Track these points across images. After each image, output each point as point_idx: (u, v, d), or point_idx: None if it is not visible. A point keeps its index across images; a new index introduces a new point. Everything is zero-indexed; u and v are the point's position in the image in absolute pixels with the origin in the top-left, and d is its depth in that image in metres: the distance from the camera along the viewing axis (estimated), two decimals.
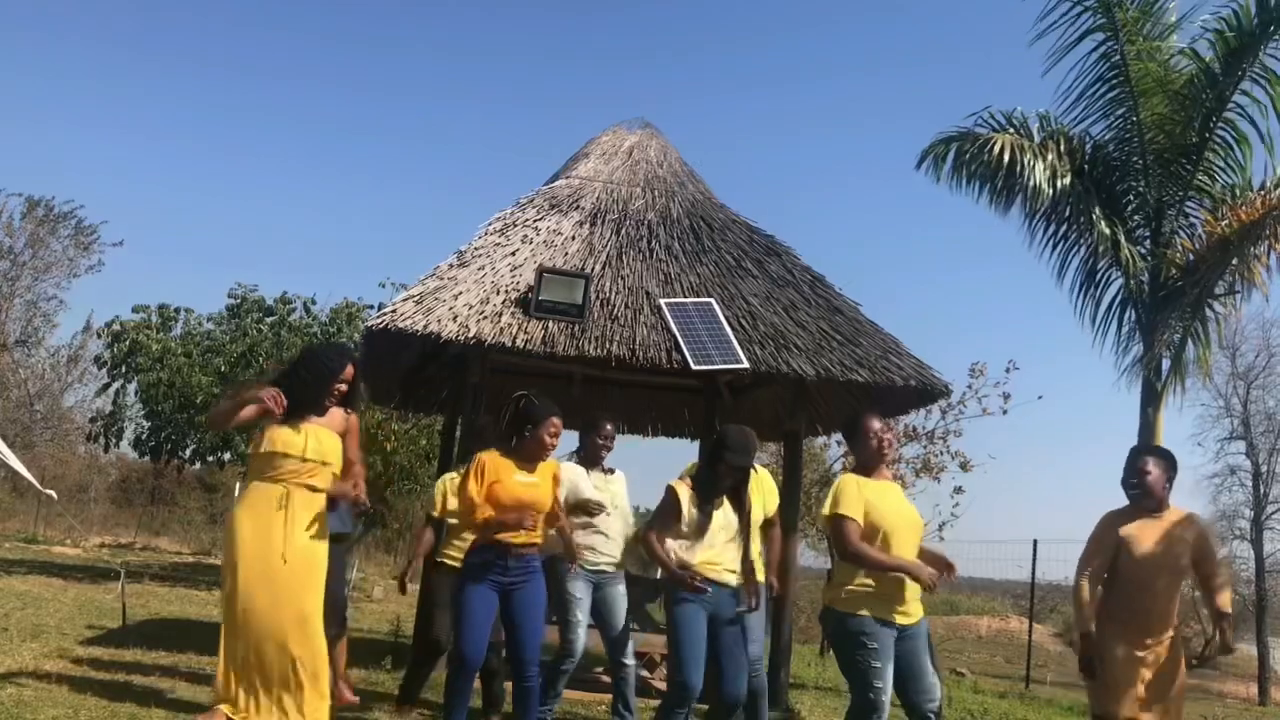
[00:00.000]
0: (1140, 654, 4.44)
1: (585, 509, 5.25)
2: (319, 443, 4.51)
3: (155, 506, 29.47)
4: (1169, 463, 4.65)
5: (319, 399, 4.57)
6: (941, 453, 15.56)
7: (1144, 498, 4.57)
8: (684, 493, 4.80)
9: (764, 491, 5.46)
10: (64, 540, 20.96)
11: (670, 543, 4.74)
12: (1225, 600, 4.63)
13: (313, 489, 4.53)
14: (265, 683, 4.35)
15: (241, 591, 4.36)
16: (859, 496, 4.34)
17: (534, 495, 4.69)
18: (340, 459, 4.62)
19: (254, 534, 4.40)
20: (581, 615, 5.28)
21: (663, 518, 4.83)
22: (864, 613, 4.24)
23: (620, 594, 5.47)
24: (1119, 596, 4.58)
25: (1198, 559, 4.58)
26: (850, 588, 4.26)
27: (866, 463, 4.47)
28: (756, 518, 5.28)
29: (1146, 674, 4.40)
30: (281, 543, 4.39)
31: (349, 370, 4.63)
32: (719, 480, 4.83)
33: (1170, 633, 4.47)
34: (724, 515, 4.86)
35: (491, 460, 4.69)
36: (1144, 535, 4.51)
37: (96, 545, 21.27)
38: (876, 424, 4.50)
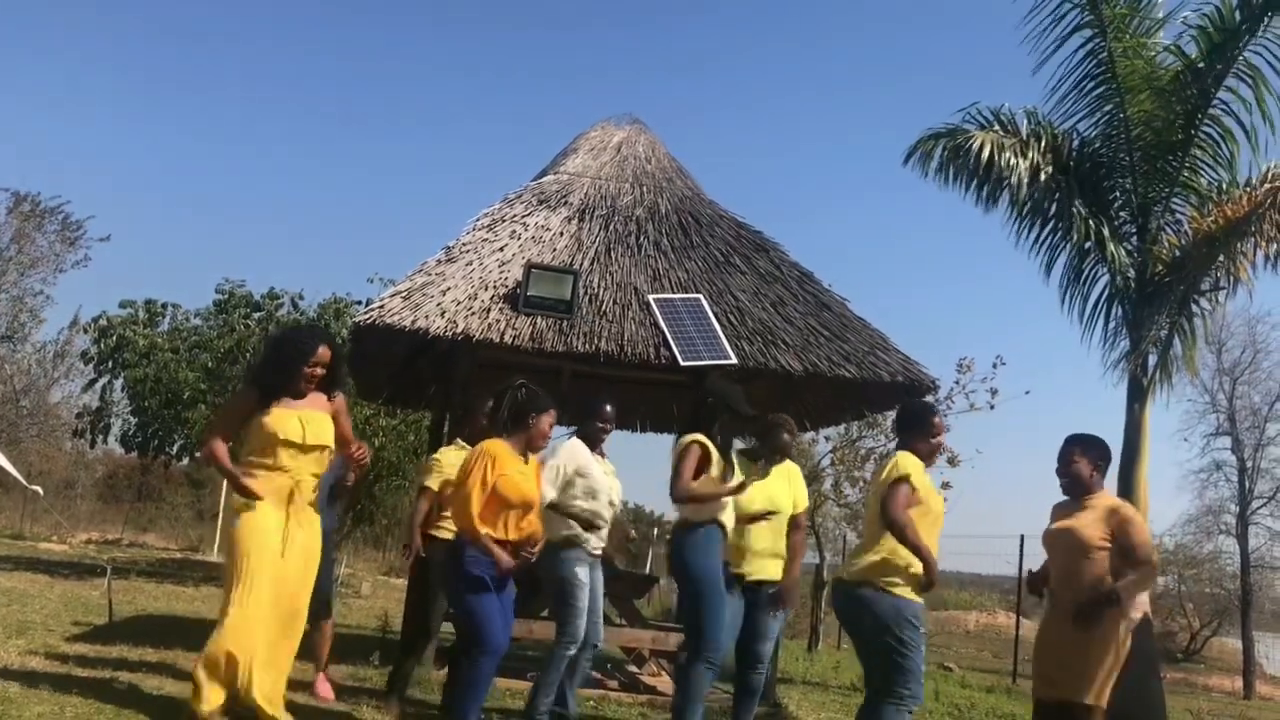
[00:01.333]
0: (1055, 636, 4.52)
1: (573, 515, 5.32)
2: (317, 427, 4.47)
3: (142, 502, 29.37)
4: (1098, 451, 4.67)
5: (295, 381, 4.47)
6: None
7: (1072, 487, 4.64)
8: (707, 443, 4.99)
9: (795, 485, 5.61)
10: (50, 536, 20.84)
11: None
12: (1126, 581, 4.34)
13: (314, 476, 4.53)
14: (260, 668, 4.31)
15: (255, 583, 4.26)
16: (922, 474, 4.53)
17: (532, 490, 4.71)
18: (333, 441, 4.57)
19: (266, 525, 4.33)
20: (585, 601, 5.28)
21: (691, 468, 4.94)
22: (919, 598, 4.40)
23: (601, 579, 5.53)
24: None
25: (1116, 549, 4.46)
26: (913, 571, 4.34)
27: (926, 454, 4.65)
28: (785, 506, 5.46)
29: (1060, 655, 4.44)
30: (285, 539, 4.37)
31: (324, 352, 4.51)
32: (723, 439, 5.12)
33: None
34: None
35: (499, 452, 4.63)
36: (1058, 520, 4.63)
37: (83, 541, 21.16)
38: (940, 420, 4.71)
